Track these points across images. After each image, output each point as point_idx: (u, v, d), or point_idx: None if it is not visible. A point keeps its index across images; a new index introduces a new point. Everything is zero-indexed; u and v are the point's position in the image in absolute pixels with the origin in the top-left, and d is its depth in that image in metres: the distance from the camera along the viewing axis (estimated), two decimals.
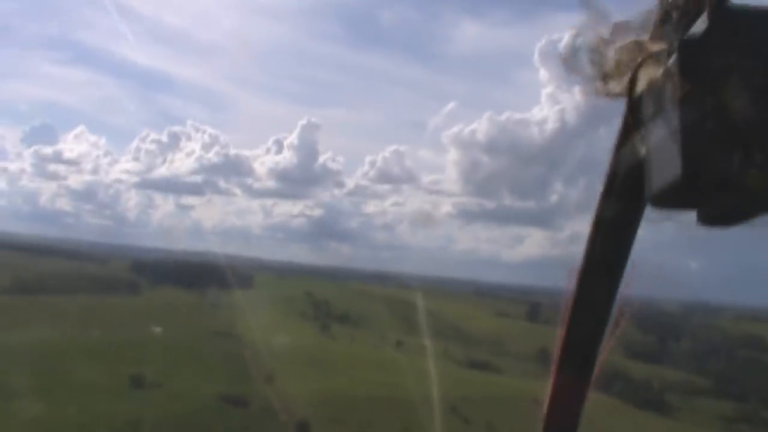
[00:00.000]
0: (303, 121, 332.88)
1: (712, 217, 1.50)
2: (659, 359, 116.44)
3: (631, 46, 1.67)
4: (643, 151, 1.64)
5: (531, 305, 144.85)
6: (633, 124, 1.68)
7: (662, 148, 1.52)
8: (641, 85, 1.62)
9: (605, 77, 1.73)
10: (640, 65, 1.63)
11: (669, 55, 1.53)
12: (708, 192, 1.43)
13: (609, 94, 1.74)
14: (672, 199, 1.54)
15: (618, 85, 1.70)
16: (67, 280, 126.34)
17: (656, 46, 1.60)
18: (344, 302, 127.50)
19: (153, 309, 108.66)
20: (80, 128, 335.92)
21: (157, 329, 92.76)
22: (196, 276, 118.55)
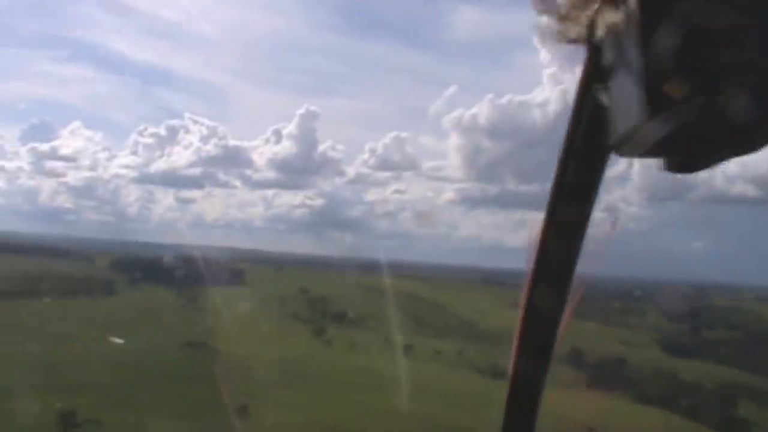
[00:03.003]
0: (302, 110, 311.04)
1: (678, 163, 1.41)
2: (700, 353, 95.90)
3: None
4: (605, 98, 1.54)
5: None
6: (593, 70, 1.59)
7: (624, 93, 1.42)
8: (601, 31, 1.50)
9: (564, 22, 1.60)
10: (598, 10, 1.50)
11: None
12: (672, 135, 1.33)
13: (568, 39, 1.62)
14: (636, 145, 1.44)
15: (577, 31, 1.59)
16: (37, 282, 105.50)
17: None
18: (344, 298, 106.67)
19: (122, 314, 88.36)
20: (76, 124, 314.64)
21: (118, 341, 72.36)
22: (184, 273, 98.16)
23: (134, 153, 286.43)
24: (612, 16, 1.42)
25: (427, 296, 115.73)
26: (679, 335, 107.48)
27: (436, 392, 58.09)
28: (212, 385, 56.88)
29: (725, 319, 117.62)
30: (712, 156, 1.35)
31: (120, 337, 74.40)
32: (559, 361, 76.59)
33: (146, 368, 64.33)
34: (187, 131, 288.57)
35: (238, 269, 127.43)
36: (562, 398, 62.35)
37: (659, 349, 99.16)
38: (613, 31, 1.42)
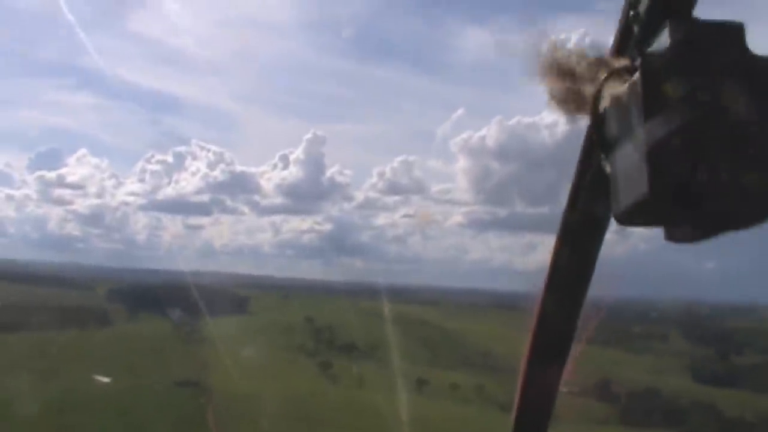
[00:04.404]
0: (309, 135, 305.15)
1: (679, 234, 1.42)
2: (734, 381, 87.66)
3: (594, 62, 1.59)
4: (608, 168, 1.53)
5: None
6: (597, 141, 1.59)
7: (627, 165, 1.41)
8: (605, 102, 1.52)
9: (570, 93, 1.63)
10: (604, 82, 1.53)
11: (632, 71, 1.41)
12: (674, 209, 1.33)
13: (573, 111, 1.64)
14: (638, 216, 1.42)
15: (582, 102, 1.61)
16: (30, 312, 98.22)
17: (619, 63, 1.52)
18: (352, 327, 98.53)
19: (114, 348, 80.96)
20: (83, 151, 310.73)
21: (103, 380, 64.84)
22: (185, 302, 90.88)
23: (142, 180, 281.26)
24: (617, 88, 1.42)
25: (438, 323, 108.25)
26: (708, 361, 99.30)
27: None
28: (206, 428, 49.81)
29: (751, 342, 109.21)
30: (712, 227, 1.32)
31: (108, 375, 66.98)
32: (588, 394, 68.67)
33: (134, 410, 56.95)
34: (195, 158, 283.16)
35: (243, 297, 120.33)
36: None
37: (690, 377, 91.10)
38: (617, 102, 1.42)
